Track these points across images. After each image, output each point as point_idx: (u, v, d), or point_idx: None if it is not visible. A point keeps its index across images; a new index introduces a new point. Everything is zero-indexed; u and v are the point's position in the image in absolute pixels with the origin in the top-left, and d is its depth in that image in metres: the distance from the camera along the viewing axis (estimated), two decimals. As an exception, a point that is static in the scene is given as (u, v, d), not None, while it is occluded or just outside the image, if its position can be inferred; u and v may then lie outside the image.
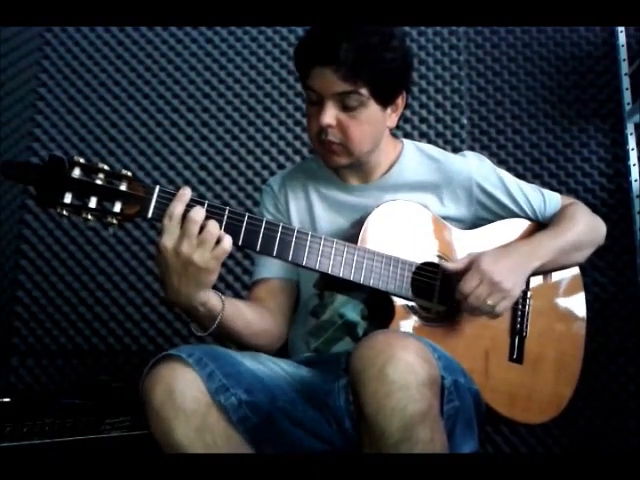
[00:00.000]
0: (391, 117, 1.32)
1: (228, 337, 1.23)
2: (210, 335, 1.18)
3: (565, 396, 1.36)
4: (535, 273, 1.31)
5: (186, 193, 1.08)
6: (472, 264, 1.23)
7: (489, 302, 1.20)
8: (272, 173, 2.18)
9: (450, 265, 1.26)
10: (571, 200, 1.48)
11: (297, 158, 2.20)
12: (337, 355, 1.30)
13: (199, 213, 1.06)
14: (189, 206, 1.07)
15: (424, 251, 1.29)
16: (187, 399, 1.01)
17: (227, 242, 1.08)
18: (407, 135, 2.14)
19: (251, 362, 1.15)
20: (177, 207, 1.06)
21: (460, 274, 1.23)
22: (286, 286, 1.38)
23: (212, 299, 1.13)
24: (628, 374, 2.02)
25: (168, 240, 1.05)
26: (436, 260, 1.30)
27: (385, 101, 1.27)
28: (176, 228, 1.05)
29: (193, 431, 1.01)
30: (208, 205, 1.10)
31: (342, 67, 1.19)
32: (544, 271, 1.35)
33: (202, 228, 1.06)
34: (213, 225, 1.07)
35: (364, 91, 1.22)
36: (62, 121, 2.24)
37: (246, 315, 1.24)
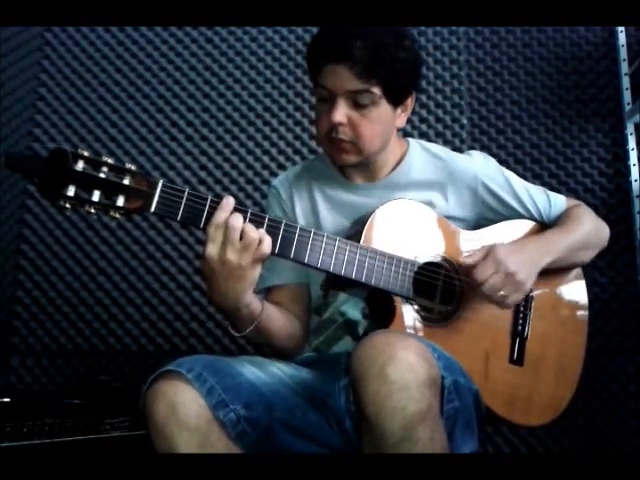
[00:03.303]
0: (400, 117, 1.33)
1: (263, 339, 1.26)
2: (245, 337, 1.22)
3: (565, 399, 1.36)
4: (545, 270, 1.31)
5: (230, 203, 1.10)
6: (488, 254, 1.23)
7: (502, 292, 1.21)
8: (272, 173, 2.18)
9: (468, 259, 1.25)
10: (576, 202, 1.48)
11: (297, 158, 2.20)
12: (337, 355, 1.30)
13: (239, 220, 1.08)
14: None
15: (427, 251, 1.29)
16: (190, 415, 1.01)
17: (267, 243, 1.10)
18: (407, 135, 2.13)
19: (250, 370, 1.15)
20: (221, 216, 1.08)
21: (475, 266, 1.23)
22: (300, 291, 1.39)
23: (254, 301, 1.17)
24: (628, 374, 2.02)
25: (213, 248, 1.08)
26: (439, 260, 1.30)
27: (396, 101, 1.28)
28: (220, 236, 1.08)
29: (196, 447, 1.01)
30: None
31: (357, 65, 1.19)
32: (554, 268, 1.34)
33: (242, 233, 1.08)
34: (252, 229, 1.09)
35: (376, 90, 1.23)
36: (62, 121, 2.24)
37: (280, 318, 1.28)
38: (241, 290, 1.12)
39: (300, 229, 1.17)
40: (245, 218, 1.10)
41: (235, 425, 1.05)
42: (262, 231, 1.11)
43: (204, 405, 1.03)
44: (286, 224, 1.16)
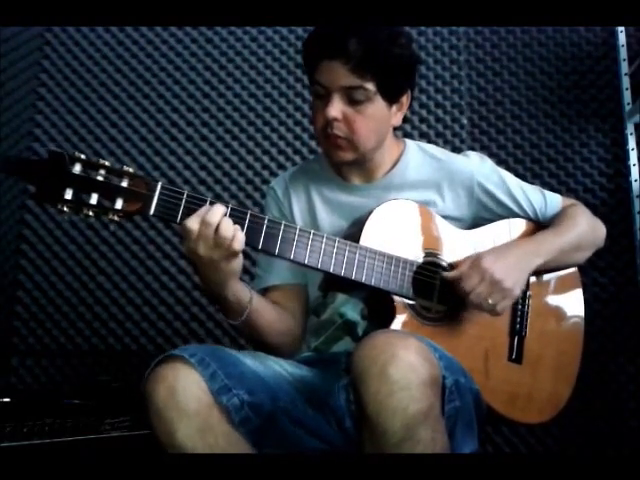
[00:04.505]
0: (396, 116, 1.33)
1: (254, 332, 1.26)
2: (237, 330, 1.21)
3: (564, 396, 1.36)
4: (537, 272, 1.31)
5: (203, 212, 1.09)
6: (473, 262, 1.23)
7: (490, 301, 1.21)
8: (272, 173, 2.18)
9: (451, 273, 1.26)
10: (572, 201, 1.48)
11: (297, 158, 2.20)
12: (337, 355, 1.30)
13: (214, 216, 1.08)
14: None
15: (425, 250, 1.29)
16: (190, 399, 1.01)
17: (239, 240, 1.10)
18: (407, 135, 2.13)
19: (252, 362, 1.15)
20: (194, 222, 1.08)
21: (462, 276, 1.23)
22: (297, 291, 1.38)
23: (241, 290, 1.19)
24: (628, 374, 2.02)
25: (188, 244, 1.09)
26: (437, 259, 1.30)
27: (391, 98, 1.28)
28: (194, 235, 1.08)
29: (195, 432, 1.01)
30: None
31: (351, 60, 1.20)
32: (545, 270, 1.35)
33: (217, 229, 1.08)
34: (225, 227, 1.08)
35: (371, 86, 1.23)
36: (62, 121, 2.23)
37: (272, 312, 1.28)
38: (221, 280, 1.14)
39: (299, 230, 1.17)
40: (225, 214, 1.09)
41: (239, 410, 1.05)
42: (236, 227, 1.10)
43: (205, 390, 1.03)
44: (285, 225, 1.16)
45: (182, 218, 1.09)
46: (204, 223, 1.07)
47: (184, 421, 1.00)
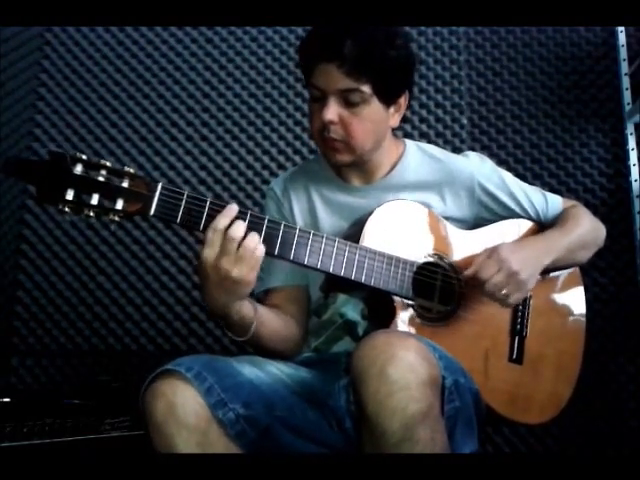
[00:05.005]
0: (394, 117, 1.32)
1: (256, 343, 1.25)
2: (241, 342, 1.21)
3: (564, 396, 1.36)
4: (545, 270, 1.31)
5: (233, 208, 1.09)
6: (491, 253, 1.24)
7: (504, 291, 1.22)
8: (272, 173, 2.18)
9: (469, 271, 1.25)
10: (572, 202, 1.49)
11: (297, 158, 2.20)
12: (337, 355, 1.30)
13: (239, 231, 1.08)
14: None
15: (425, 251, 1.29)
16: (189, 414, 1.01)
17: (260, 252, 1.09)
18: (407, 135, 2.14)
19: (250, 369, 1.15)
20: (222, 221, 1.08)
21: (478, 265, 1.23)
22: (299, 293, 1.38)
23: (245, 307, 1.17)
24: (628, 374, 2.02)
25: (210, 253, 1.07)
26: (438, 260, 1.30)
27: (388, 99, 1.28)
28: (218, 242, 1.07)
29: (195, 446, 1.01)
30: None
31: (346, 63, 1.19)
32: (553, 268, 1.35)
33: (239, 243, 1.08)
34: (251, 240, 1.08)
35: (367, 88, 1.22)
36: (62, 121, 2.23)
37: (273, 322, 1.27)
38: (230, 300, 1.13)
39: (300, 230, 1.17)
40: (245, 224, 1.09)
41: (234, 424, 1.05)
42: (260, 241, 1.10)
43: (203, 404, 1.03)
44: (285, 225, 1.16)
45: (182, 219, 1.09)
46: (227, 237, 1.07)
47: (184, 436, 1.01)
